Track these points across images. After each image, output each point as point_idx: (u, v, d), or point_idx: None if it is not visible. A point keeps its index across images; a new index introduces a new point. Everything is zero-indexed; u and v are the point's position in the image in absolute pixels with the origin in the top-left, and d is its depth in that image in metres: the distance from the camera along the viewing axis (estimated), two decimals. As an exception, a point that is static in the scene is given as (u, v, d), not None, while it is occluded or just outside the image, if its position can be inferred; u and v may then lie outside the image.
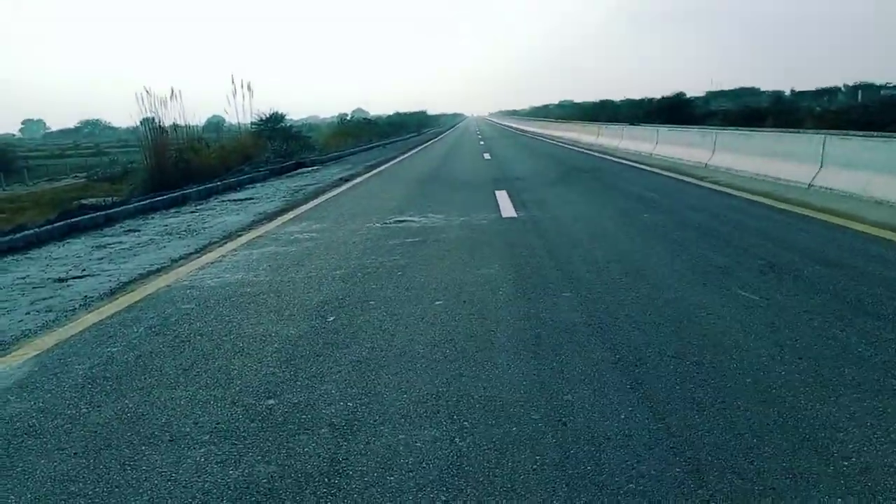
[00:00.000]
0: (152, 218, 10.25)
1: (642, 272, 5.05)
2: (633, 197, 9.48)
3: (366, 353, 3.60)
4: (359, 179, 15.02)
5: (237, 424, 2.86)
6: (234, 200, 11.89)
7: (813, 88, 70.84)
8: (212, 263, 6.31)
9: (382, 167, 18.78)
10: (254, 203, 11.30)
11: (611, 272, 5.09)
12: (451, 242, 6.71)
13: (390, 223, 8.16)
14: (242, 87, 22.09)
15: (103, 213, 10.00)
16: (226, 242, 7.47)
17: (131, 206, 10.97)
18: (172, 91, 16.95)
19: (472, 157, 21.87)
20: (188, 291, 5.26)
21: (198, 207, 11.22)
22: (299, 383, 3.25)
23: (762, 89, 78.94)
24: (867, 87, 67.00)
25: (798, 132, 10.02)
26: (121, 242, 7.91)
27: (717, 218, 7.28)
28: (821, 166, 9.01)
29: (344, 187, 13.29)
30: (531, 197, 10.04)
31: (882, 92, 62.92)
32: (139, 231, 8.85)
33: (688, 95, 52.44)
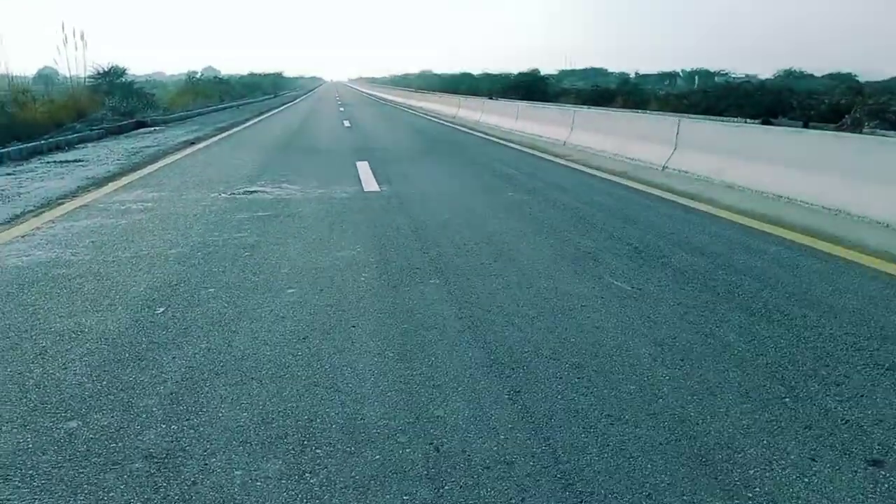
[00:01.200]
0: (-46, 179, 8.79)
1: (512, 256, 4.77)
2: (498, 174, 9.29)
3: (200, 355, 3.03)
4: (206, 143, 13.88)
5: (25, 457, 2.23)
6: (60, 162, 10.51)
7: (655, 72, 75.38)
8: (22, 237, 5.36)
9: (233, 130, 17.57)
10: (82, 166, 10.02)
11: (480, 256, 4.77)
12: (307, 218, 6.14)
13: (239, 194, 7.42)
14: (74, 36, 19.93)
15: None
16: (42, 212, 6.44)
17: (-73, 164, 9.38)
18: (-8, 37, 14.91)
19: (331, 123, 21.03)
20: (-16, 273, 4.37)
21: (16, 169, 9.80)
22: (112, 398, 2.63)
23: (609, 70, 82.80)
24: (703, 74, 72.02)
25: (654, 114, 10.24)
26: None
27: (579, 198, 7.20)
28: (675, 149, 9.23)
29: (188, 151, 12.18)
30: (394, 170, 9.59)
31: (716, 79, 67.86)
32: (-65, 195, 7.50)
33: (542, 73, 53.74)
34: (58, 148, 12.79)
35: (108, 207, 6.61)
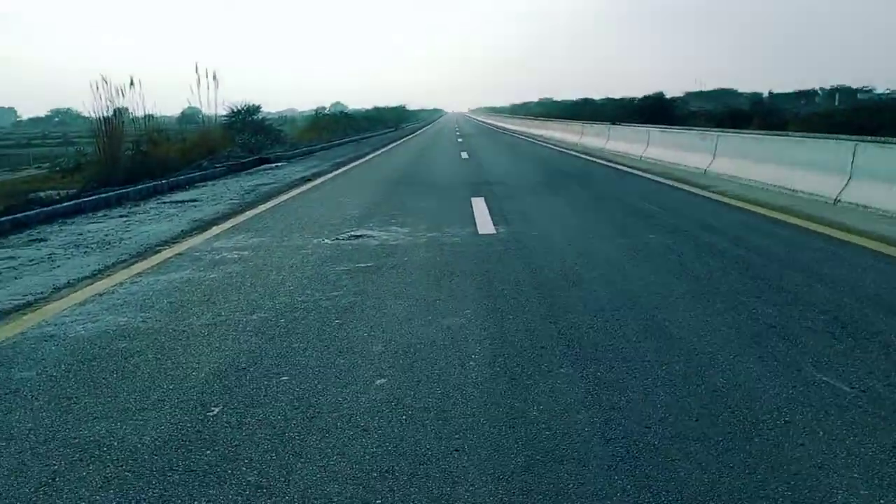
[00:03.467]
0: (71, 223, 8.72)
1: (667, 330, 3.67)
2: (631, 210, 8.13)
3: (243, 500, 2.18)
4: (322, 179, 13.55)
5: None
6: (175, 202, 10.38)
7: (790, 91, 70.51)
8: (100, 295, 4.84)
9: (352, 165, 17.31)
10: (195, 206, 9.80)
11: (624, 329, 3.71)
12: (413, 270, 5.30)
13: (344, 238, 6.72)
14: (207, 76, 20.52)
15: (9, 217, 8.45)
16: (136, 262, 5.99)
17: (48, 208, 9.40)
18: (132, 80, 15.55)
19: (448, 155, 20.45)
20: (42, 345, 3.79)
21: (131, 210, 9.70)
22: (101, 584, 1.82)
23: (740, 91, 78.22)
24: (844, 91, 66.67)
25: (821, 137, 8.75)
26: (13, 258, 6.38)
27: (739, 243, 5.94)
28: (850, 178, 7.72)
29: (303, 188, 11.81)
30: (513, 206, 8.65)
31: (858, 96, 62.49)
32: (45, 241, 7.33)
33: (667, 96, 51.07)
34: (178, 187, 12.84)
35: (201, 256, 6.08)
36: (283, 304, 4.42)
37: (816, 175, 8.38)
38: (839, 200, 7.71)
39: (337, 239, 6.72)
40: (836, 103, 55.16)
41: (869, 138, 7.77)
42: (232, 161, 17.30)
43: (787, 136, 9.96)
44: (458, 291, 4.61)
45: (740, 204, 8.25)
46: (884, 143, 7.31)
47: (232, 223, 8.03)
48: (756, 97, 66.85)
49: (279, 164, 18.57)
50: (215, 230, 7.54)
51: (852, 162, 7.73)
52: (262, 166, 17.84)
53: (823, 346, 3.34)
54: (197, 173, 14.63)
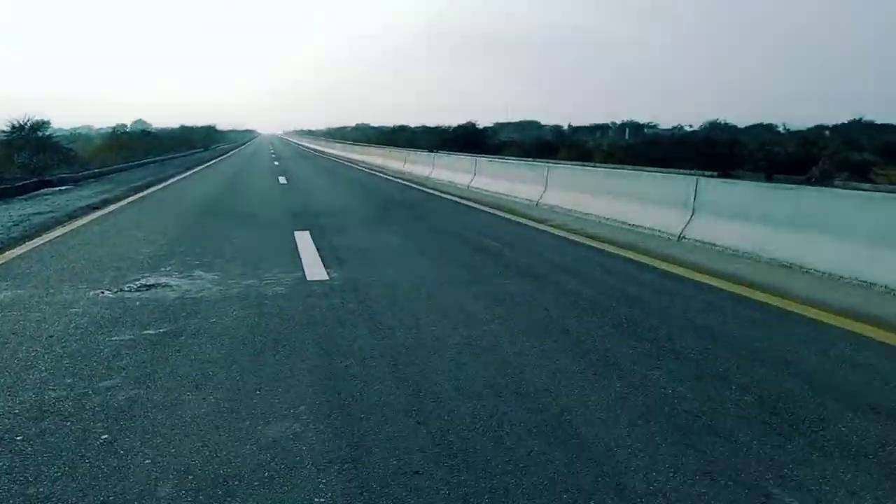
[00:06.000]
0: None
1: (575, 430, 2.77)
2: (476, 247, 7.35)
3: None
4: (114, 207, 11.55)
5: None
6: (-90, 237, 8.08)
7: (587, 124, 76.36)
8: None
9: (151, 189, 15.24)
10: (-65, 243, 7.64)
11: (518, 430, 2.76)
12: (223, 339, 4.03)
13: (131, 289, 5.25)
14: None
15: None
16: None
17: None
18: None
19: (264, 180, 18.86)
20: None
21: None
22: None
23: (542, 123, 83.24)
24: (633, 126, 73.07)
25: (660, 172, 8.57)
26: None
27: (605, 291, 5.30)
28: (692, 213, 7.52)
29: (87, 219, 9.84)
30: (344, 243, 7.55)
31: (645, 130, 68.88)
32: None
33: (478, 125, 52.51)
34: (-78, 217, 10.28)
35: (-82, 323, 4.35)
36: (26, 406, 3.00)
37: (657, 210, 8.15)
38: (684, 237, 7.46)
39: (121, 290, 5.23)
40: (627, 136, 60.17)
41: (707, 173, 7.61)
42: (5, 185, 14.55)
43: (622, 169, 9.82)
44: (287, 373, 3.44)
45: (585, 240, 7.77)
46: (727, 179, 7.16)
47: (-20, 268, 6.17)
48: (558, 129, 71.26)
49: (65, 187, 15.99)
50: (-47, 279, 5.70)
51: (694, 198, 7.54)
52: (43, 190, 15.21)
53: (771, 448, 2.61)
54: (-50, 200, 11.97)
